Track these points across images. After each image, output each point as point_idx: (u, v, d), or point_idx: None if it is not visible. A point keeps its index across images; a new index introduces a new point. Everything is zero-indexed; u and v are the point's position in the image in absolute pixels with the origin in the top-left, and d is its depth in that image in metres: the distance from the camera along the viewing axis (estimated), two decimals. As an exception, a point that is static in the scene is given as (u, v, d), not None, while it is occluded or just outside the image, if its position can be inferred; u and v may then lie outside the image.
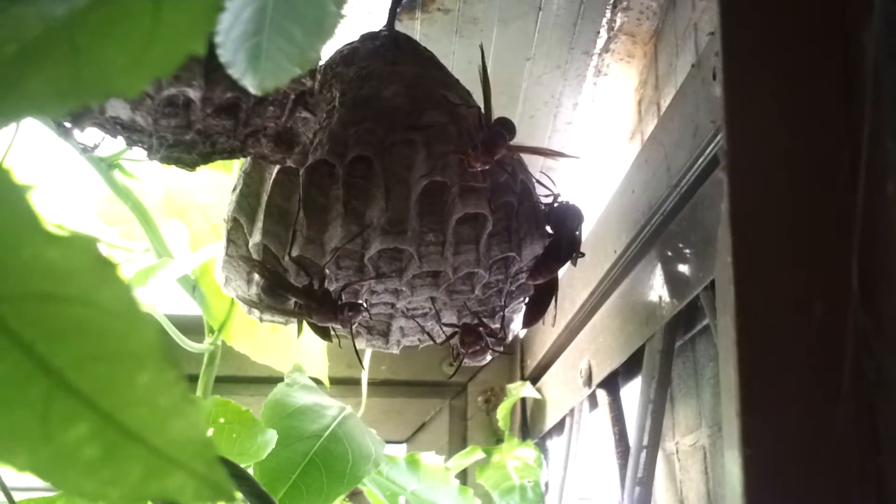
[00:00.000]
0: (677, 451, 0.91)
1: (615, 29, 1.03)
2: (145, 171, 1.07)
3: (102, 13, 0.32)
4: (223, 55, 0.37)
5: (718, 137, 0.66)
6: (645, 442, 0.85)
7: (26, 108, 0.31)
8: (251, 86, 0.37)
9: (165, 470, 0.29)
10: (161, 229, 1.02)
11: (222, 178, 1.06)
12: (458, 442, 1.48)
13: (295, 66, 0.38)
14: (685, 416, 0.89)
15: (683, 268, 0.75)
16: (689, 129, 0.71)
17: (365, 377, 1.17)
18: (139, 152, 0.94)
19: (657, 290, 0.81)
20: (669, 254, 0.79)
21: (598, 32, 1.04)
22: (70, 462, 0.29)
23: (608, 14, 1.02)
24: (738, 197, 0.47)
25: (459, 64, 1.04)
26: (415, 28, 1.03)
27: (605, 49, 1.06)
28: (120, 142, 0.86)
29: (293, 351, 1.09)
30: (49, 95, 0.31)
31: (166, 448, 0.29)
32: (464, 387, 1.51)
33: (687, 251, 0.74)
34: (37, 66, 0.31)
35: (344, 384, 1.31)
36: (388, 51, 0.85)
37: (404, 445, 1.50)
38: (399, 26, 0.89)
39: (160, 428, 0.29)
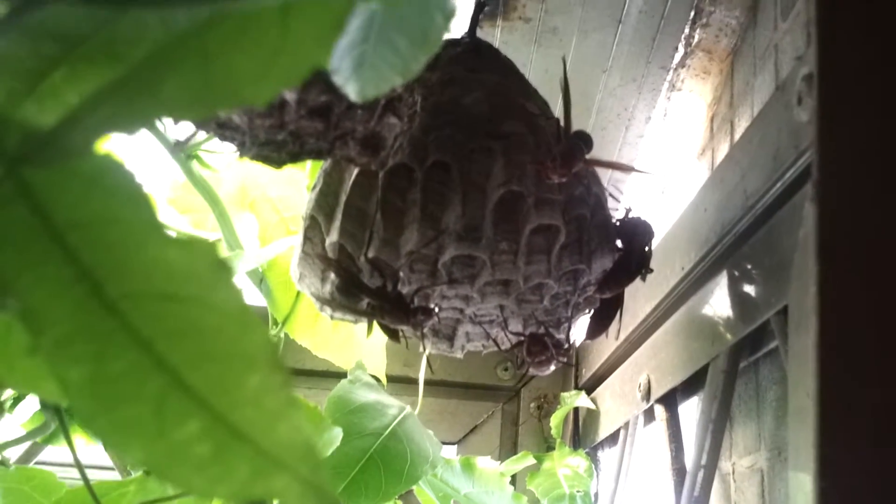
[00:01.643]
0: (733, 472, 0.91)
1: (693, 45, 1.03)
2: (221, 163, 1.10)
3: (233, 23, 0.33)
4: (330, 62, 0.38)
5: (799, 163, 0.66)
6: (703, 461, 0.85)
7: (160, 111, 0.32)
8: (353, 93, 0.38)
9: (271, 471, 0.30)
10: (233, 220, 1.04)
11: (294, 174, 1.08)
12: (509, 446, 1.49)
13: (397, 75, 0.39)
14: (744, 438, 0.89)
15: (754, 290, 0.75)
16: (769, 153, 0.71)
17: (422, 377, 1.18)
18: (216, 143, 0.96)
19: (725, 310, 0.81)
20: (740, 275, 0.79)
21: (676, 48, 1.04)
22: (182, 458, 0.30)
23: (687, 30, 1.02)
24: (827, 227, 0.47)
25: (537, 73, 1.05)
26: (495, 36, 1.04)
27: (682, 64, 1.06)
28: (202, 133, 0.88)
29: (353, 347, 1.10)
30: (182, 101, 0.32)
31: (273, 450, 0.30)
32: (517, 392, 1.52)
33: (759, 274, 0.74)
34: (170, 72, 0.32)
35: (399, 382, 1.33)
36: (470, 58, 0.86)
37: (455, 447, 1.51)
38: (480, 33, 0.90)
39: (267, 430, 0.30)
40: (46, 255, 0.30)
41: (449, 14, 0.39)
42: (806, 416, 0.59)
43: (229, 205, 1.06)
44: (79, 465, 0.69)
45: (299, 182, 1.09)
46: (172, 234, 0.31)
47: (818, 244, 0.47)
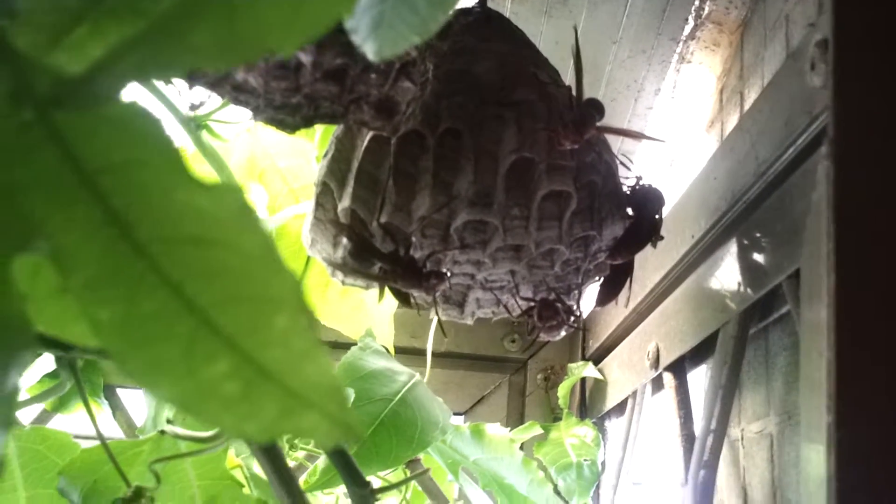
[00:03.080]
0: (742, 438, 0.92)
1: (703, 17, 1.03)
2: (231, 133, 1.10)
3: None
4: (347, 21, 0.38)
5: (812, 128, 0.67)
6: (713, 426, 0.86)
7: (189, 60, 0.32)
8: (370, 52, 0.39)
9: (299, 410, 0.31)
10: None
11: (303, 145, 1.09)
12: (516, 417, 1.50)
13: (415, 35, 0.39)
14: (752, 403, 0.90)
15: (766, 256, 0.76)
16: (781, 119, 0.72)
17: (430, 348, 1.19)
18: (226, 113, 0.97)
19: (736, 276, 0.82)
20: (751, 241, 0.79)
21: (686, 19, 1.04)
22: (210, 396, 0.30)
23: (697, 2, 1.02)
24: (843, 186, 0.47)
25: (547, 44, 1.05)
26: (505, 6, 1.04)
27: (691, 36, 1.06)
28: (213, 101, 0.88)
29: (361, 317, 1.11)
30: (210, 50, 0.32)
31: (300, 389, 0.31)
32: (524, 363, 1.53)
33: (771, 240, 0.75)
34: (197, 20, 0.32)
35: (407, 354, 1.33)
36: (481, 27, 0.86)
37: (462, 418, 1.52)
38: (491, 3, 0.90)
39: (294, 370, 0.31)
40: (76, 199, 0.31)
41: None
42: (819, 378, 0.60)
43: (238, 175, 1.07)
44: (94, 422, 0.70)
45: (308, 153, 1.10)
46: (201, 179, 0.31)
47: (833, 202, 0.47)
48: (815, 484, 0.62)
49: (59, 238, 0.31)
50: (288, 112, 0.64)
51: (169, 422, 0.73)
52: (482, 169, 0.75)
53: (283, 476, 0.57)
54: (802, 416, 0.65)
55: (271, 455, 0.58)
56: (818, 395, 0.61)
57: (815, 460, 0.62)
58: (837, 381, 0.52)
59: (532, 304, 0.84)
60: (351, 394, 0.84)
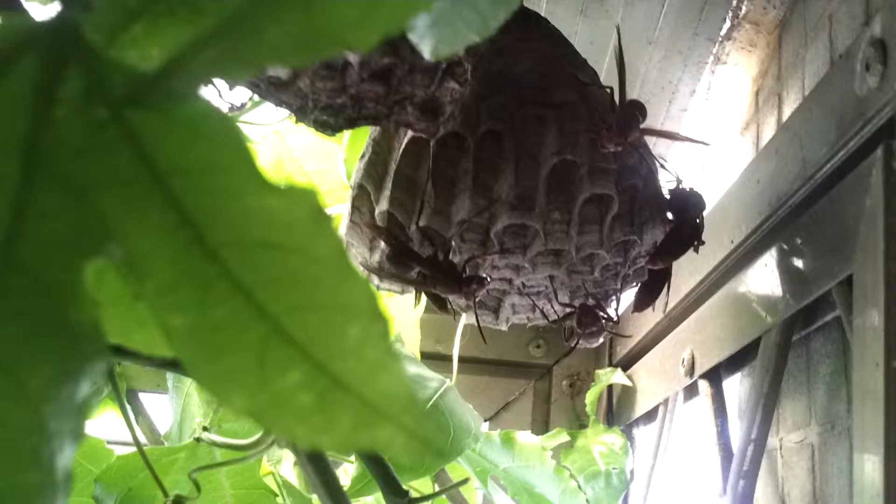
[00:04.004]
0: (780, 448, 0.90)
1: (740, 17, 1.02)
2: (258, 136, 1.10)
3: (333, -31, 0.32)
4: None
5: (865, 131, 0.65)
6: (753, 436, 0.84)
7: (265, 56, 0.31)
8: (427, 50, 0.37)
9: (375, 421, 0.29)
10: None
11: (329, 147, 1.08)
12: (541, 424, 1.49)
13: (473, 33, 0.38)
14: (793, 413, 0.88)
15: (813, 262, 0.74)
16: (831, 122, 0.70)
17: (456, 353, 1.18)
18: (254, 115, 0.96)
19: (780, 282, 0.80)
20: (798, 247, 0.78)
21: (724, 19, 1.03)
22: (285, 408, 0.29)
23: (734, 2, 1.01)
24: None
25: (582, 43, 1.04)
26: (541, 6, 1.03)
27: (728, 37, 1.05)
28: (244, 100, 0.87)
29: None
30: (287, 45, 0.31)
31: (375, 400, 0.29)
32: (549, 370, 1.51)
33: (819, 245, 0.73)
34: (272, 16, 0.31)
35: (432, 359, 1.32)
36: (518, 27, 0.84)
37: (486, 424, 1.51)
38: (527, 3, 0.89)
39: (369, 380, 0.30)
40: (150, 201, 0.30)
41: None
42: (875, 387, 0.58)
43: (266, 179, 1.06)
44: (131, 429, 0.69)
45: (335, 155, 1.09)
46: (272, 182, 0.30)
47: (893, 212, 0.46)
48: (870, 496, 0.61)
49: (132, 242, 0.30)
50: (331, 113, 0.63)
51: (205, 429, 0.72)
52: (523, 171, 0.74)
53: (331, 486, 0.56)
54: (854, 428, 0.63)
55: (319, 465, 0.56)
56: (873, 406, 0.60)
57: (870, 471, 0.60)
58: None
59: (571, 310, 0.82)
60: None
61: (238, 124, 0.31)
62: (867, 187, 0.63)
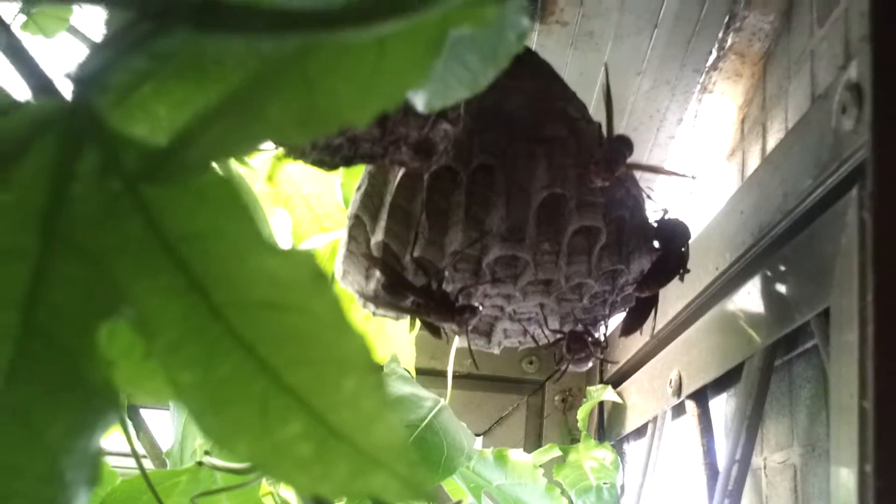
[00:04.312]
0: (765, 468, 0.93)
1: (726, 48, 1.05)
2: (257, 160, 1.12)
3: (331, 47, 0.34)
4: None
5: (842, 170, 0.68)
6: (737, 456, 0.87)
7: (267, 133, 0.34)
8: (421, 104, 0.40)
9: (370, 469, 0.32)
10: (267, 216, 1.06)
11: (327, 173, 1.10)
12: (534, 438, 1.51)
13: (464, 89, 0.40)
14: (776, 434, 0.91)
15: (794, 292, 0.77)
16: (810, 159, 0.73)
17: (450, 370, 1.20)
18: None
19: (763, 310, 0.83)
20: (778, 277, 0.80)
21: (710, 51, 1.06)
22: (286, 457, 0.32)
23: (721, 33, 1.04)
24: (881, 235, 0.49)
25: (572, 75, 1.07)
26: (532, 39, 1.05)
27: (714, 67, 1.08)
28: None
29: (382, 340, 1.12)
30: (289, 124, 0.33)
31: (370, 449, 0.32)
32: (542, 385, 1.54)
33: (799, 277, 0.76)
34: (274, 96, 0.34)
35: (427, 375, 1.35)
36: (510, 63, 0.87)
37: (480, 439, 1.53)
38: (518, 36, 0.91)
39: (364, 430, 0.32)
40: (159, 266, 0.32)
41: (522, 33, 0.40)
42: (850, 415, 0.61)
43: (263, 201, 1.08)
44: (135, 454, 0.71)
45: (332, 180, 1.11)
46: (274, 245, 0.32)
47: (872, 249, 0.49)
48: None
49: (143, 304, 0.32)
50: (329, 153, 0.65)
51: (207, 453, 0.74)
52: (514, 204, 0.77)
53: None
54: (832, 449, 0.66)
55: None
56: (848, 430, 0.62)
57: (844, 493, 0.63)
58: (878, 419, 0.53)
59: (561, 335, 0.85)
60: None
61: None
62: (843, 226, 0.65)
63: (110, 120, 0.33)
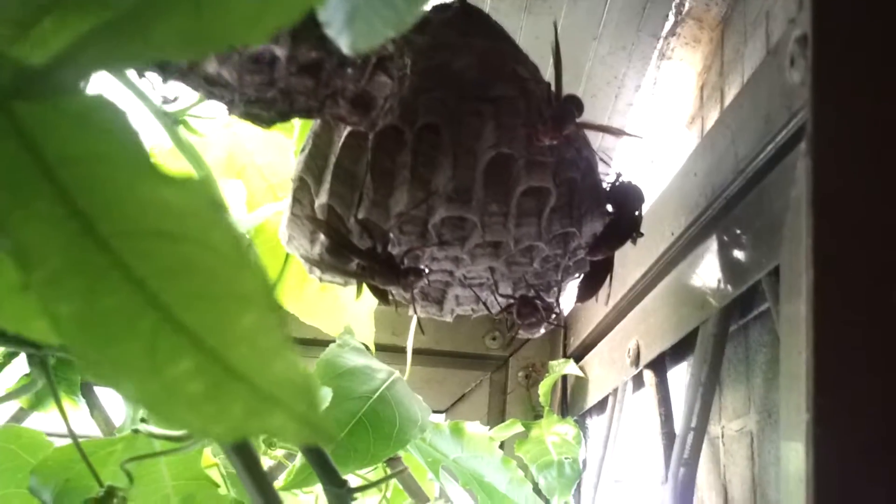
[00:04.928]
0: (722, 436, 0.91)
1: (683, 13, 1.03)
2: (208, 129, 1.09)
3: (224, -36, 0.32)
4: (322, 14, 0.37)
5: (791, 124, 0.66)
6: (693, 424, 0.85)
7: (152, 54, 0.32)
8: (345, 45, 0.38)
9: (267, 409, 0.30)
10: (221, 187, 1.04)
11: (281, 140, 1.08)
12: (497, 415, 1.50)
13: (390, 28, 0.38)
14: (733, 401, 0.90)
15: (745, 253, 0.76)
16: (760, 116, 0.71)
17: (410, 345, 1.18)
18: (203, 109, 0.96)
19: (716, 273, 0.82)
20: (731, 238, 0.79)
21: (667, 16, 1.04)
22: (176, 396, 0.30)
23: (677, -2, 1.02)
24: (821, 183, 0.47)
25: (527, 39, 1.05)
26: (485, 2, 1.03)
27: (672, 32, 1.06)
28: (190, 96, 0.87)
29: (341, 314, 1.10)
30: (174, 43, 0.31)
31: (268, 388, 0.30)
32: (505, 361, 1.52)
33: (750, 236, 0.75)
34: (161, 14, 0.32)
35: (387, 351, 1.33)
36: (460, 22, 0.85)
37: (443, 416, 1.52)
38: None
39: (262, 368, 0.30)
40: (38, 192, 0.30)
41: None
42: (798, 376, 0.59)
43: (217, 171, 1.06)
44: (65, 419, 0.69)
45: (287, 149, 1.09)
46: (167, 173, 0.31)
47: (811, 199, 0.47)
48: (794, 483, 0.62)
49: (20, 233, 0.30)
50: (263, 107, 0.63)
51: (143, 420, 0.72)
52: (460, 165, 0.75)
53: (255, 475, 0.57)
54: (782, 415, 0.64)
55: (243, 453, 0.57)
56: (797, 394, 0.61)
57: (794, 459, 0.61)
58: (815, 378, 0.52)
59: (511, 301, 0.83)
60: (328, 393, 0.83)
61: (185, 119, 0.31)
62: (792, 180, 0.64)
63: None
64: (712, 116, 1.04)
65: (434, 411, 1.48)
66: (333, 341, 1.04)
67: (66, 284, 0.30)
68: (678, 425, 0.92)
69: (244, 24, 0.32)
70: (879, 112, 0.52)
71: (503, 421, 1.41)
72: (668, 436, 0.95)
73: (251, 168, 1.13)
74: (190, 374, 0.30)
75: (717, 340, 0.84)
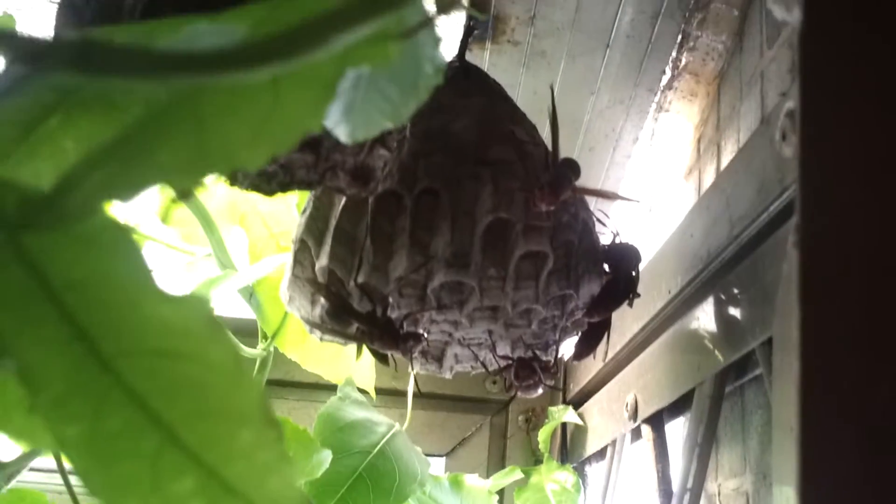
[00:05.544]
0: (719, 494, 0.92)
1: (680, 68, 1.04)
2: (211, 177, 1.10)
3: (225, 89, 0.33)
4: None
5: (784, 196, 0.67)
6: (689, 484, 0.86)
7: (155, 177, 0.32)
8: (343, 135, 0.39)
9: (263, 525, 0.31)
10: (222, 234, 1.05)
11: (283, 190, 1.09)
12: (497, 459, 1.50)
13: (387, 119, 0.39)
14: (729, 460, 0.90)
15: (740, 318, 0.76)
16: (754, 185, 0.72)
17: (411, 391, 1.19)
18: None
19: (711, 337, 0.82)
20: (726, 303, 0.80)
21: (664, 71, 1.05)
22: (176, 513, 0.30)
23: (674, 53, 1.03)
24: (809, 264, 0.48)
25: (525, 94, 1.06)
26: (483, 58, 1.05)
27: (669, 86, 1.07)
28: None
29: (342, 361, 1.11)
30: (177, 166, 0.32)
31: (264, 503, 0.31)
32: (505, 405, 1.52)
33: (745, 303, 0.75)
34: (164, 138, 0.32)
35: (388, 395, 1.34)
36: (459, 82, 0.86)
37: (443, 459, 1.52)
38: (469, 56, 0.90)
39: (258, 484, 0.31)
40: (43, 316, 0.31)
41: (439, 66, 0.40)
42: (789, 448, 0.60)
43: (219, 218, 1.07)
44: (62, 473, 0.70)
45: (289, 198, 1.10)
46: (167, 291, 0.31)
47: (800, 280, 0.48)
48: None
49: (25, 356, 0.31)
50: (264, 179, 0.64)
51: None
52: (459, 229, 0.76)
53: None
54: (775, 485, 0.65)
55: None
56: (788, 471, 0.61)
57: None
58: (804, 450, 0.52)
59: (510, 362, 0.84)
60: (328, 455, 0.84)
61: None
62: (784, 254, 0.65)
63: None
64: (709, 169, 1.05)
65: (434, 455, 1.49)
66: (335, 386, 1.05)
67: (72, 407, 0.31)
68: (675, 482, 0.93)
69: (243, 148, 0.33)
70: (876, 200, 0.53)
71: (503, 465, 1.41)
72: (666, 493, 0.95)
73: (253, 215, 1.13)
74: (191, 492, 0.31)
75: (713, 402, 0.84)
